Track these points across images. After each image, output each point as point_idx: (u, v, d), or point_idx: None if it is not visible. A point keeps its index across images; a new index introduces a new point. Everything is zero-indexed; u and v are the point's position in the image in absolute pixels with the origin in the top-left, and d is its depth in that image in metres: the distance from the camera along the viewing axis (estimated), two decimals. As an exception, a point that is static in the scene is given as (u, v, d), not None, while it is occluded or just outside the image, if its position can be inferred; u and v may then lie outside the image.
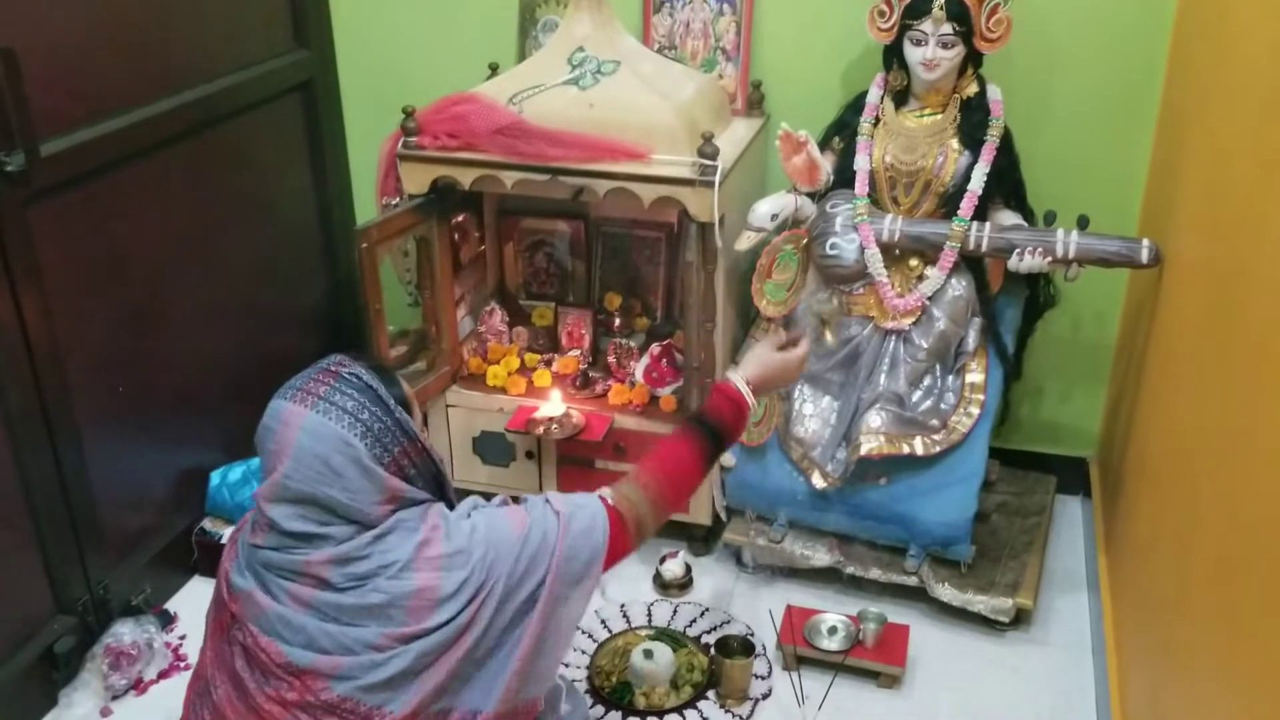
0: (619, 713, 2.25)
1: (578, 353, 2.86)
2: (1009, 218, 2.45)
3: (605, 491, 1.82)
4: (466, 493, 2.81)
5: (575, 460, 2.70)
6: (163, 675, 2.39)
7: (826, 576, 2.60)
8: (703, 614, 2.54)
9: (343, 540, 1.63)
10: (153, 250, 2.49)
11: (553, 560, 1.69)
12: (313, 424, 1.60)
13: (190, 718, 1.76)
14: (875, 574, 2.52)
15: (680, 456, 1.90)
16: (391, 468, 1.65)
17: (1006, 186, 2.47)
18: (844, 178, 2.51)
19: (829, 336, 2.53)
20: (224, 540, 2.63)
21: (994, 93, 2.43)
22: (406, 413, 1.69)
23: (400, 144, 2.53)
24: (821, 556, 2.56)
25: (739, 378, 1.99)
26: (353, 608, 1.62)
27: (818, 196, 2.54)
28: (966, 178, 2.41)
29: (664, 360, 2.70)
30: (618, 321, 2.87)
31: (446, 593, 1.63)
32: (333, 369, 1.67)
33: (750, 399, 1.98)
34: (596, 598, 2.58)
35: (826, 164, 2.50)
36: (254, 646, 1.65)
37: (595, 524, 1.74)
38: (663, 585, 2.62)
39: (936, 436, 2.44)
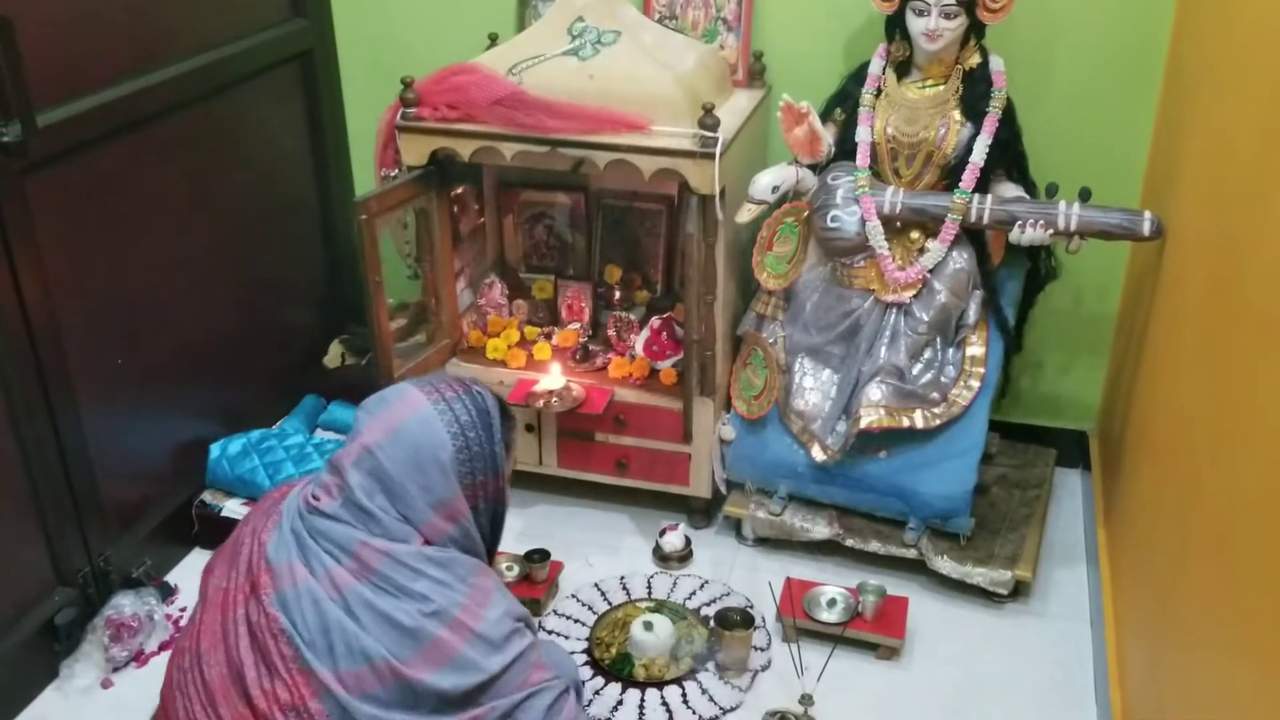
0: (618, 684, 2.26)
1: (578, 326, 2.85)
2: (1011, 190, 2.44)
3: None
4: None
5: (575, 433, 2.70)
6: (164, 647, 2.39)
7: (826, 549, 2.60)
8: (702, 586, 2.54)
9: (397, 539, 1.67)
10: (151, 222, 2.48)
11: None
12: (426, 415, 1.73)
13: (174, 694, 1.71)
14: (875, 547, 2.52)
15: None
16: (467, 490, 1.74)
17: (1008, 158, 2.45)
18: (845, 149, 2.49)
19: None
20: (225, 512, 2.64)
21: (996, 64, 2.41)
22: (505, 454, 1.81)
23: (399, 115, 2.51)
24: (821, 529, 2.56)
25: None
26: (379, 613, 1.64)
27: (819, 168, 2.53)
28: (968, 149, 2.40)
29: (664, 333, 2.70)
30: (618, 294, 2.86)
31: (459, 662, 1.66)
32: (467, 383, 1.81)
33: None
34: (589, 570, 2.59)
35: (828, 136, 2.49)
36: (265, 631, 1.64)
37: None
38: (662, 558, 2.63)
39: (936, 409, 2.44)
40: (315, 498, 1.73)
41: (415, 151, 2.52)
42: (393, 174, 2.58)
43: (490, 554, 1.88)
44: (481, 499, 1.77)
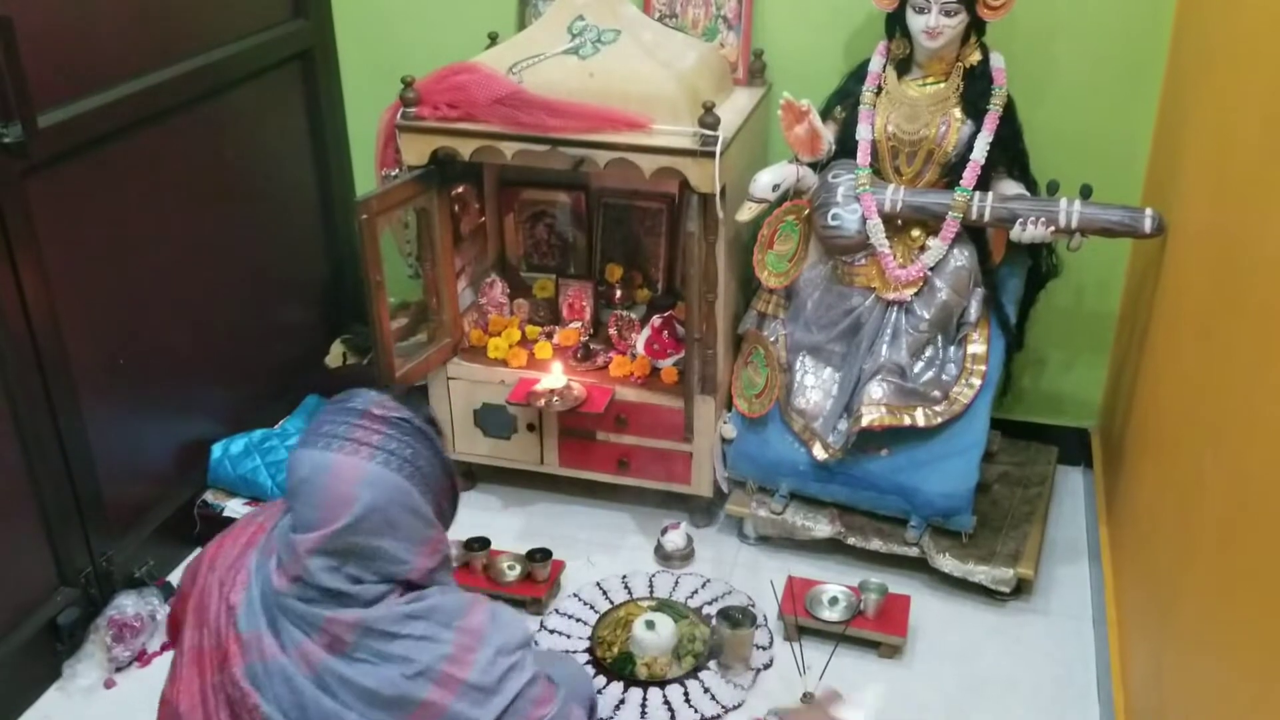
0: (620, 683, 2.26)
1: (579, 325, 2.85)
2: (1012, 187, 2.44)
3: None
4: (466, 466, 2.83)
5: (576, 432, 2.70)
6: (165, 647, 2.40)
7: (828, 547, 2.60)
8: (704, 585, 2.54)
9: (372, 601, 1.56)
10: (152, 221, 2.48)
11: None
12: (375, 477, 1.55)
13: None
14: (876, 545, 2.52)
15: None
16: (435, 509, 1.63)
17: (1009, 156, 2.45)
18: (846, 147, 2.49)
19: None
20: (227, 512, 2.64)
21: (997, 61, 2.41)
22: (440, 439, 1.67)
23: (400, 114, 2.51)
24: (823, 527, 2.56)
25: None
26: (356, 686, 1.53)
27: (819, 166, 2.53)
28: (969, 147, 2.39)
29: (665, 332, 2.69)
30: (619, 293, 2.86)
31: (451, 717, 1.55)
32: (378, 413, 1.60)
33: None
34: (590, 568, 2.59)
35: (828, 134, 2.49)
36: (242, 706, 1.54)
37: None
38: (664, 556, 2.63)
39: (938, 407, 2.44)
40: (279, 577, 1.57)
41: (416, 151, 2.52)
42: (393, 173, 2.58)
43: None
44: (446, 504, 1.67)
